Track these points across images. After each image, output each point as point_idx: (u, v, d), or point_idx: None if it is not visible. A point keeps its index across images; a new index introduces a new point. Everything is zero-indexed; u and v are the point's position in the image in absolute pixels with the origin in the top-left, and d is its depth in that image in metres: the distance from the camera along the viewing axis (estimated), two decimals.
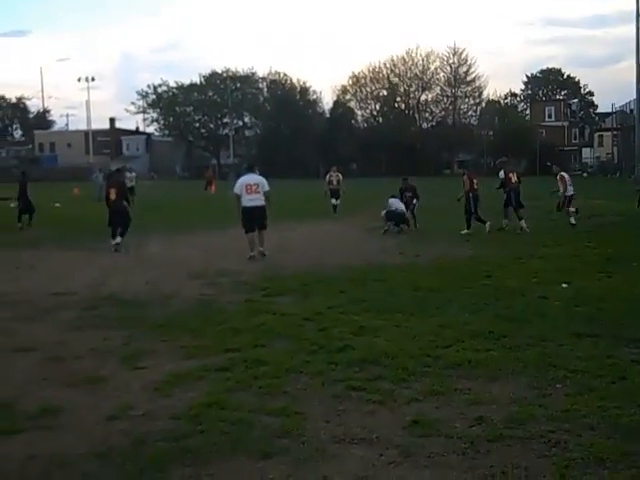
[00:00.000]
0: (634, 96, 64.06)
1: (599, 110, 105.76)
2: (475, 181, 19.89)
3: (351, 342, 7.72)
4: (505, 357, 7.06)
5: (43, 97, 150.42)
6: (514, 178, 20.21)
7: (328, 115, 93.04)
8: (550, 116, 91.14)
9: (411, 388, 6.22)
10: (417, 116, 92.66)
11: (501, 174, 20.38)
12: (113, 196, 17.14)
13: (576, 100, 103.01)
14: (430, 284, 11.34)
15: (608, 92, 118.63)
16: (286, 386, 6.34)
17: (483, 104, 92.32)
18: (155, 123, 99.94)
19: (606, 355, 7.07)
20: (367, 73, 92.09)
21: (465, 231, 19.11)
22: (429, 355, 7.16)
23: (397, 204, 20.36)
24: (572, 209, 20.97)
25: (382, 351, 7.29)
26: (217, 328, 8.60)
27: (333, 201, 26.72)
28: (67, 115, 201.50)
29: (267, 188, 15.67)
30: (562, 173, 21.46)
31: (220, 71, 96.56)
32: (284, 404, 5.84)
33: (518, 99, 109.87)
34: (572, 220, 20.55)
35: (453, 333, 8.03)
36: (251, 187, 15.56)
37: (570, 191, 21.06)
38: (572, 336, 7.81)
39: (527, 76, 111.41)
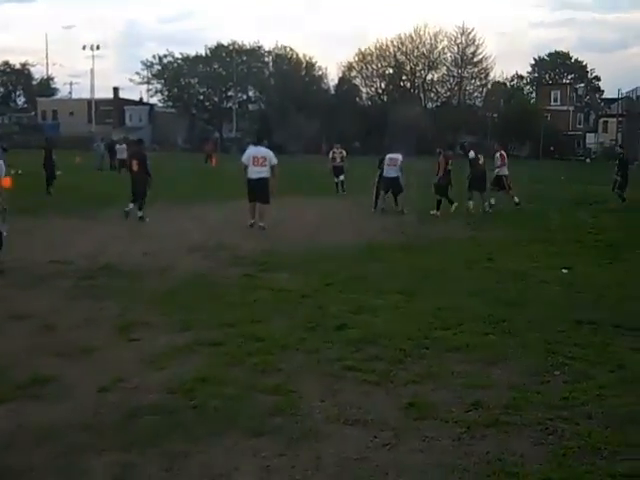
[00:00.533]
0: None
1: (605, 95, 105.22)
2: (450, 162, 19.87)
3: (349, 321, 7.64)
4: (504, 342, 6.98)
5: (47, 64, 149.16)
6: (481, 160, 20.34)
7: (333, 92, 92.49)
8: (556, 100, 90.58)
9: (408, 370, 6.14)
10: (422, 96, 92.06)
11: (471, 154, 20.36)
12: (135, 167, 17.37)
13: (582, 85, 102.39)
14: (430, 265, 11.26)
15: (615, 78, 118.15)
16: (281, 363, 6.26)
17: (489, 86, 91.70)
18: (159, 94, 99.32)
19: (605, 343, 7.00)
20: (374, 50, 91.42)
21: (453, 206, 19.28)
22: (427, 337, 7.08)
23: (387, 166, 20.05)
24: (512, 192, 21.30)
25: (380, 331, 7.21)
26: (213, 302, 8.52)
27: (336, 179, 26.55)
28: (70, 83, 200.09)
29: (275, 162, 15.68)
30: (502, 152, 21.77)
31: (226, 44, 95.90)
32: (278, 382, 5.77)
33: (524, 82, 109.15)
34: (516, 199, 20.98)
35: (452, 315, 7.94)
36: (258, 159, 15.58)
37: (505, 171, 21.30)
38: (572, 322, 7.73)
39: (534, 59, 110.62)
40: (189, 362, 6.28)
